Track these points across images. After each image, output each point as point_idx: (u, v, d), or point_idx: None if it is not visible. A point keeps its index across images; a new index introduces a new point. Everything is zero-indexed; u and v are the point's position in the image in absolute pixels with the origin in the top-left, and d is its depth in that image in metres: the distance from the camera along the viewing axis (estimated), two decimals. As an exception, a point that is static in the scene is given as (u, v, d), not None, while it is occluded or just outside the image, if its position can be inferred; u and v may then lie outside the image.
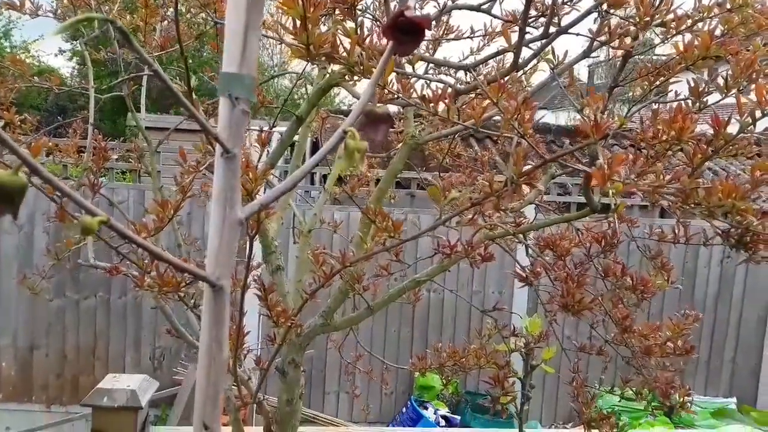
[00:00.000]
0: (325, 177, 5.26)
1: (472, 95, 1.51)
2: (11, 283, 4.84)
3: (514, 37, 1.24)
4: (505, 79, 1.15)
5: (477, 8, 1.58)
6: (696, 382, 5.61)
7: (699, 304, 5.51)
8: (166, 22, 2.18)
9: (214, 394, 0.53)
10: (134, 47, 0.46)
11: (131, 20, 2.22)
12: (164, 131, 3.02)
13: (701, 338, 5.58)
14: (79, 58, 12.85)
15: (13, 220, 0.48)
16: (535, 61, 1.61)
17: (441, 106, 1.06)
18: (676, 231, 1.84)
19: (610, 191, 0.83)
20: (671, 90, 1.73)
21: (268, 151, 1.76)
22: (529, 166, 1.05)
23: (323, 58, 1.03)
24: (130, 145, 2.81)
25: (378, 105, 0.63)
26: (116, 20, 0.44)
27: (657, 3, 1.23)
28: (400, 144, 1.96)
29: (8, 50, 13.43)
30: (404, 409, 5.34)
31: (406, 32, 0.59)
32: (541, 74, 2.17)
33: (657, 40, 1.59)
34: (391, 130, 2.32)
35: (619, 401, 2.67)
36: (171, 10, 2.17)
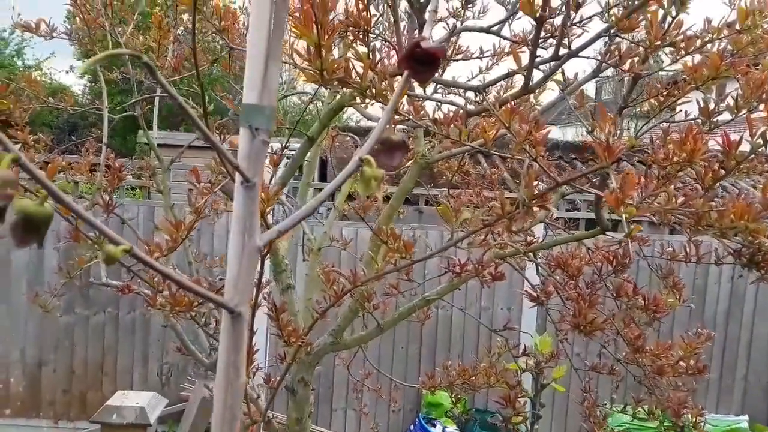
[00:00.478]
0: (333, 194, 5.27)
1: (481, 116, 1.53)
2: (21, 299, 4.86)
3: (524, 59, 1.25)
4: (515, 100, 1.16)
5: (487, 30, 1.59)
6: (707, 400, 5.54)
7: (709, 322, 5.46)
8: (178, 42, 2.21)
9: (231, 418, 0.54)
10: (160, 82, 0.47)
11: (144, 41, 2.26)
12: (174, 148, 3.05)
13: (712, 356, 5.53)
14: (90, 75, 13.00)
15: (38, 248, 0.49)
16: (542, 84, 1.62)
17: (452, 129, 1.07)
18: (688, 250, 1.84)
19: (623, 215, 0.83)
20: (680, 110, 1.74)
21: (277, 171, 1.77)
22: (542, 189, 1.05)
23: (336, 83, 1.04)
24: (141, 162, 2.83)
25: (394, 132, 0.64)
26: (143, 56, 0.45)
27: (667, 26, 1.23)
28: (410, 162, 1.97)
29: (21, 68, 13.60)
30: (412, 427, 5.31)
31: (422, 63, 0.60)
32: (549, 93, 2.19)
33: (667, 60, 1.60)
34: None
35: (631, 421, 2.65)
36: (181, 29, 2.21)
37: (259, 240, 0.55)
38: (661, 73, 1.65)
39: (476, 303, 5.33)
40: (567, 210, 5.79)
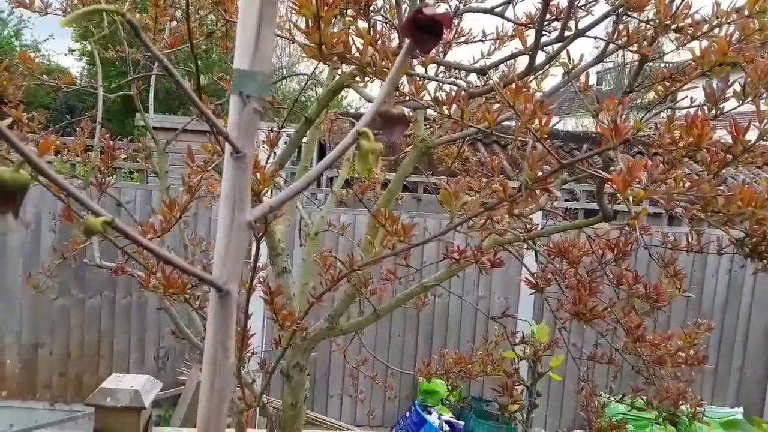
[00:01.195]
0: (331, 179, 5.23)
1: (483, 99, 1.49)
2: (17, 281, 4.84)
3: (529, 40, 1.21)
4: (521, 81, 1.12)
5: (490, 11, 1.56)
6: (702, 391, 5.55)
7: (706, 313, 5.46)
8: (175, 22, 2.17)
9: (219, 401, 0.51)
10: (144, 41, 0.45)
11: (140, 19, 2.22)
12: (172, 131, 3.01)
13: (708, 347, 5.53)
14: (88, 57, 12.91)
15: (14, 217, 0.46)
16: (547, 65, 1.59)
17: (454, 109, 1.04)
18: (690, 239, 1.82)
19: (630, 198, 0.80)
20: (685, 96, 1.70)
21: (275, 153, 1.74)
22: (545, 171, 1.03)
23: (335, 58, 1.01)
24: (138, 144, 2.80)
25: (394, 106, 0.61)
26: (126, 13, 0.43)
27: (675, 8, 1.20)
28: (410, 147, 1.94)
29: (18, 49, 13.49)
30: (408, 414, 5.31)
31: (425, 30, 0.57)
32: (552, 79, 2.15)
33: (669, 47, 1.56)
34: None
35: (629, 411, 2.64)
36: (180, 9, 2.17)
37: (249, 215, 0.52)
38: (667, 59, 1.62)
39: (473, 291, 5.32)
40: (566, 200, 5.76)
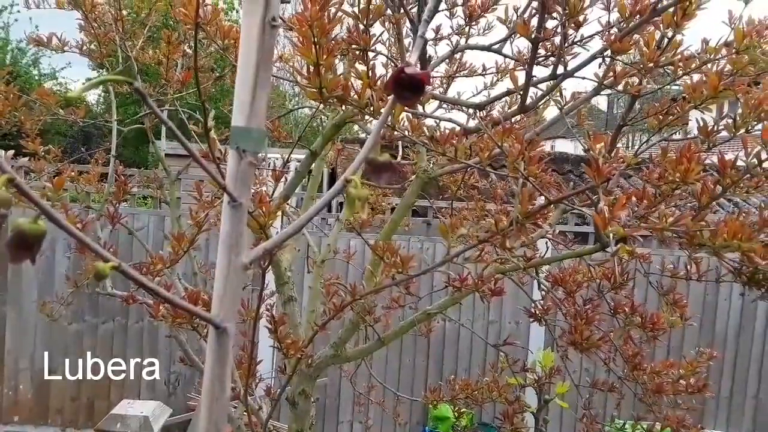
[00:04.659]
0: (341, 205, 5.29)
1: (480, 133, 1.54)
2: (32, 306, 4.91)
3: (523, 78, 1.27)
4: (513, 120, 1.17)
5: (488, 48, 1.61)
6: (718, 419, 5.48)
7: (720, 338, 5.41)
8: (186, 57, 2.25)
9: (216, 432, 0.55)
10: (149, 105, 0.50)
11: (154, 54, 2.30)
12: (184, 158, 3.09)
13: (722, 374, 5.47)
14: (103, 86, 13.15)
15: (32, 263, 0.52)
16: (538, 104, 1.64)
17: (448, 147, 1.09)
18: (689, 267, 1.84)
19: (611, 235, 0.84)
20: (690, 121, 1.74)
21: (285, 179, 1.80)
22: (535, 207, 1.07)
23: (335, 101, 1.06)
24: (151, 173, 2.87)
25: (380, 153, 0.66)
26: (134, 81, 0.48)
27: (663, 47, 1.25)
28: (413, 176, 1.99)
29: (37, 78, 13.80)
30: (418, 440, 5.29)
31: (407, 88, 0.63)
32: (554, 108, 2.20)
33: (668, 79, 1.61)
34: (404, 161, 2.35)
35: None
36: (191, 44, 2.24)
37: (245, 258, 0.57)
38: (670, 88, 1.66)
39: (484, 316, 5.32)
40: (576, 224, 5.77)
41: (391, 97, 0.64)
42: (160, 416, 2.45)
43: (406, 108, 1.29)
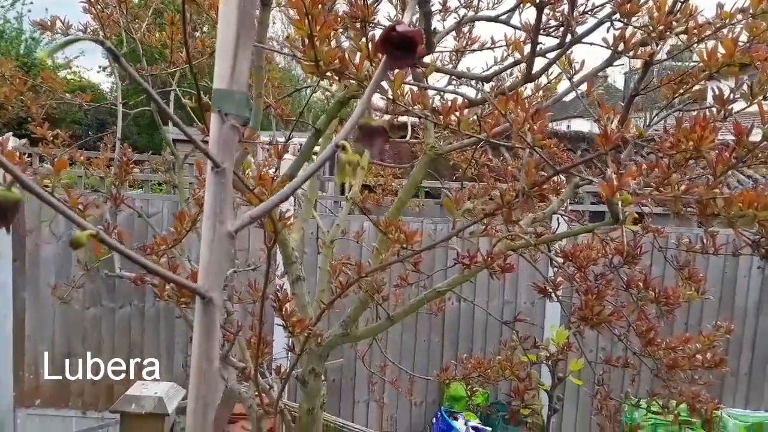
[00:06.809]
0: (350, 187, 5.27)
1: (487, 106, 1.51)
2: (49, 292, 4.97)
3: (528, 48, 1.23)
4: (518, 89, 1.14)
5: (494, 19, 1.57)
6: (736, 395, 5.43)
7: (739, 313, 5.34)
8: (191, 38, 2.23)
9: (203, 409, 0.54)
10: (123, 65, 0.48)
11: (160, 37, 2.29)
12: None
13: (742, 349, 5.41)
14: (119, 73, 13.20)
15: (7, 232, 0.50)
16: (559, 71, 1.59)
17: (452, 119, 1.06)
18: (705, 241, 1.80)
19: (619, 203, 0.81)
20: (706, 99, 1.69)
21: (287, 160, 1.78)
22: (542, 177, 1.04)
23: (332, 74, 1.03)
24: (160, 158, 2.87)
25: (372, 118, 0.64)
26: (106, 42, 0.46)
27: (673, 11, 1.20)
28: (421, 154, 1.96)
29: (51, 67, 13.89)
30: (434, 420, 5.30)
31: (398, 47, 0.60)
32: (567, 83, 2.16)
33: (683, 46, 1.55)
34: (414, 140, 2.31)
35: (646, 415, 2.61)
36: (194, 27, 2.22)
37: (230, 226, 0.55)
38: (688, 64, 1.61)
39: (499, 295, 5.30)
40: (592, 203, 5.71)
41: (382, 60, 0.61)
42: (175, 397, 2.47)
43: (407, 82, 1.25)
